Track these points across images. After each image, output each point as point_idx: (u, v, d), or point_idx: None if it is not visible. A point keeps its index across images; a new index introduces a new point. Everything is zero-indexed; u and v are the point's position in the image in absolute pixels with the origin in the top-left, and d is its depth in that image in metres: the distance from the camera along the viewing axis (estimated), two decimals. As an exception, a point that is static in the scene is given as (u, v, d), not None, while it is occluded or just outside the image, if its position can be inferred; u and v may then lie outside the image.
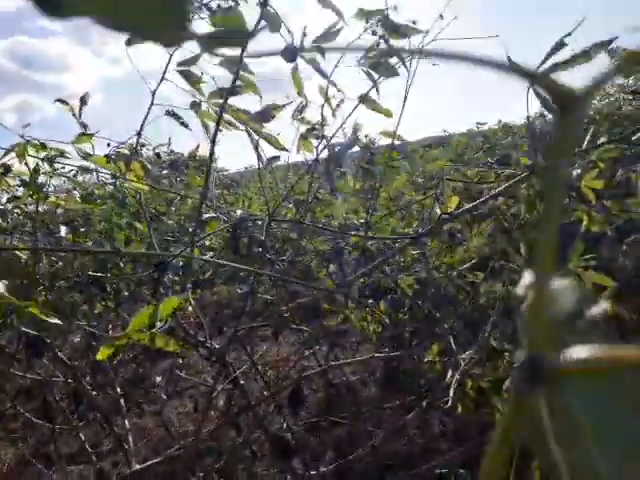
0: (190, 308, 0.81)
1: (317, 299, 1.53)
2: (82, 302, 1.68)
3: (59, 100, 1.08)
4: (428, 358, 1.27)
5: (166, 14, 0.14)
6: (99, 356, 0.66)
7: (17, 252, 1.44)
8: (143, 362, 1.99)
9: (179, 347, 0.70)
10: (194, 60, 1.11)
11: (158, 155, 1.28)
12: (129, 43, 1.06)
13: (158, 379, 2.35)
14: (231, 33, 0.15)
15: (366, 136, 1.61)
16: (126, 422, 1.10)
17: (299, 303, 1.51)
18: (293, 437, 1.36)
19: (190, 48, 1.15)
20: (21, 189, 1.54)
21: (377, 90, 1.19)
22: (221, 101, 1.10)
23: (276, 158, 1.59)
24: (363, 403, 1.90)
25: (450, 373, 1.31)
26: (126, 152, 1.00)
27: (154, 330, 0.66)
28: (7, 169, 1.25)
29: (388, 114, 1.24)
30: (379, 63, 1.02)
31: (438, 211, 1.05)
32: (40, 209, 1.51)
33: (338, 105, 1.17)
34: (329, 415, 1.95)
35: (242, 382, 0.94)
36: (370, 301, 1.80)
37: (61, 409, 1.85)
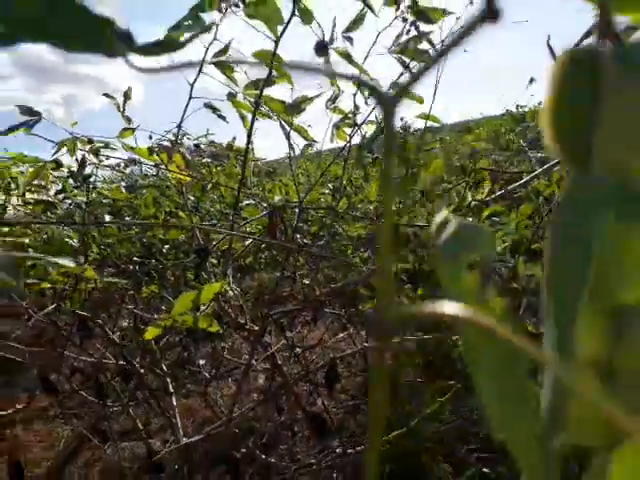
0: (231, 292, 0.85)
1: (354, 283, 1.56)
2: (129, 287, 1.77)
3: (105, 95, 1.14)
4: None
5: (85, 37, 0.15)
6: (147, 335, 0.71)
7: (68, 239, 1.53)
8: (188, 345, 2.08)
9: (221, 329, 0.74)
10: (224, 51, 1.14)
11: (197, 146, 1.33)
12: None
13: (202, 361, 2.44)
14: (165, 41, 0.16)
15: (401, 119, 1.61)
16: (174, 402, 1.17)
17: (335, 288, 1.54)
18: (332, 418, 1.40)
19: (224, 39, 1.18)
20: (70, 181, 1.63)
21: (411, 73, 1.19)
22: (256, 92, 1.13)
23: (310, 146, 1.62)
24: (401, 386, 1.93)
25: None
26: (167, 144, 1.05)
27: (198, 313, 0.70)
28: (59, 164, 1.33)
29: (420, 100, 1.24)
30: (409, 49, 1.03)
31: (470, 196, 1.05)
32: (87, 199, 1.60)
33: (370, 93, 1.19)
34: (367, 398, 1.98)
35: (280, 362, 0.99)
36: (408, 285, 1.82)
37: (113, 389, 1.96)
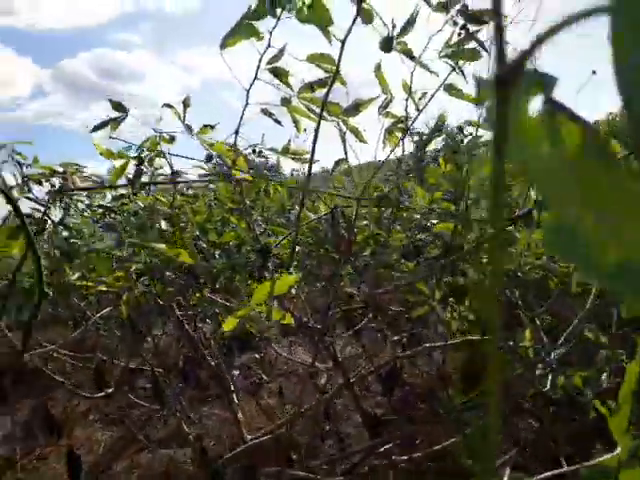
0: (293, 291, 0.87)
1: (400, 291, 1.56)
2: (177, 292, 1.81)
3: (166, 105, 1.18)
4: (521, 344, 1.26)
5: None
6: (225, 327, 0.73)
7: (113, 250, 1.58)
8: (231, 350, 2.11)
9: (291, 320, 0.76)
10: (279, 56, 1.17)
11: (254, 151, 1.36)
12: (222, 47, 1.14)
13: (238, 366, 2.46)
14: None
15: (460, 127, 1.61)
16: (235, 401, 1.18)
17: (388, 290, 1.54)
18: (387, 420, 1.39)
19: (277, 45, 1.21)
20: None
21: (464, 76, 1.21)
22: (312, 95, 1.15)
23: (342, 160, 1.62)
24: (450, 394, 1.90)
25: (541, 366, 1.29)
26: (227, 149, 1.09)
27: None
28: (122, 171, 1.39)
29: (471, 100, 1.25)
30: (460, 50, 1.04)
31: (533, 195, 1.05)
32: (142, 205, 1.66)
33: (421, 98, 1.20)
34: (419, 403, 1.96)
35: (340, 360, 1.00)
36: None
37: (162, 391, 2.00)
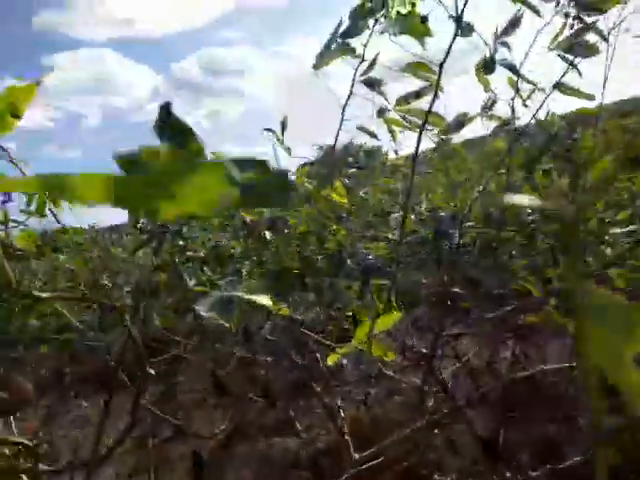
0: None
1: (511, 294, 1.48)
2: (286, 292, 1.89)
3: (267, 129, 1.21)
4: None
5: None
6: (328, 361, 0.75)
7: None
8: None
9: (394, 356, 0.76)
10: (372, 67, 1.15)
11: (350, 158, 1.37)
12: (316, 67, 1.14)
13: (344, 361, 2.51)
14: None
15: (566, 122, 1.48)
16: (341, 408, 1.21)
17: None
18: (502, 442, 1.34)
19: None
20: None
21: (579, 73, 1.10)
22: (408, 106, 1.12)
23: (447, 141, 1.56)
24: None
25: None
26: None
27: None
28: None
29: (589, 98, 1.14)
30: (575, 44, 0.95)
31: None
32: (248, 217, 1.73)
33: (529, 96, 1.12)
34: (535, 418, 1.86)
35: (449, 384, 0.98)
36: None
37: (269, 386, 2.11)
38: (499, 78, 1.25)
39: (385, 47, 1.06)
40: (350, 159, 1.85)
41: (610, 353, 0.17)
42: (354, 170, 1.90)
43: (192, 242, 2.01)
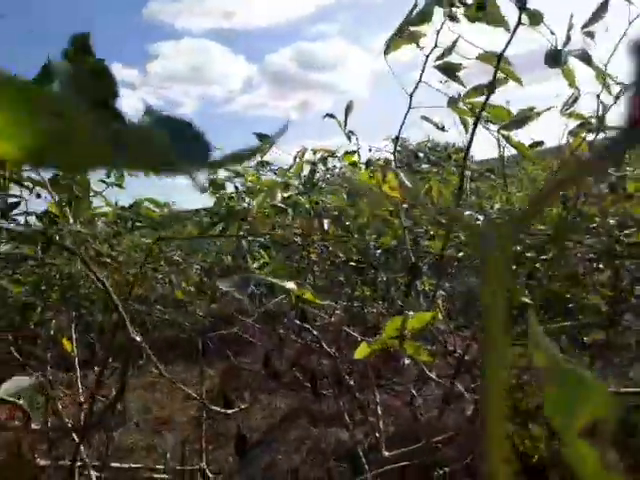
0: (440, 316, 0.83)
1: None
2: (344, 283, 1.88)
3: (328, 115, 1.21)
4: None
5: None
6: (357, 355, 0.74)
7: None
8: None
9: (431, 359, 0.72)
10: (448, 52, 1.10)
11: (416, 156, 1.33)
12: (386, 52, 1.11)
13: (407, 361, 2.46)
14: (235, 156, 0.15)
15: None
16: (376, 401, 1.19)
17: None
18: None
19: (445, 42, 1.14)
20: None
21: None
22: (478, 99, 1.07)
23: (540, 143, 1.48)
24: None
25: None
26: (382, 162, 1.08)
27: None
28: (288, 186, 1.48)
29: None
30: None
31: None
32: (311, 205, 1.74)
33: (618, 95, 1.02)
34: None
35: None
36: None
37: (324, 376, 2.12)
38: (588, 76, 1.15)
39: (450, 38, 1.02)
40: (421, 154, 1.80)
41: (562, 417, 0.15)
42: (425, 165, 1.85)
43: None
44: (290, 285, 0.56)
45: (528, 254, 1.82)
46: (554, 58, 0.69)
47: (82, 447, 1.49)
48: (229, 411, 1.33)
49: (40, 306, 1.71)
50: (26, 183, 1.48)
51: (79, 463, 1.47)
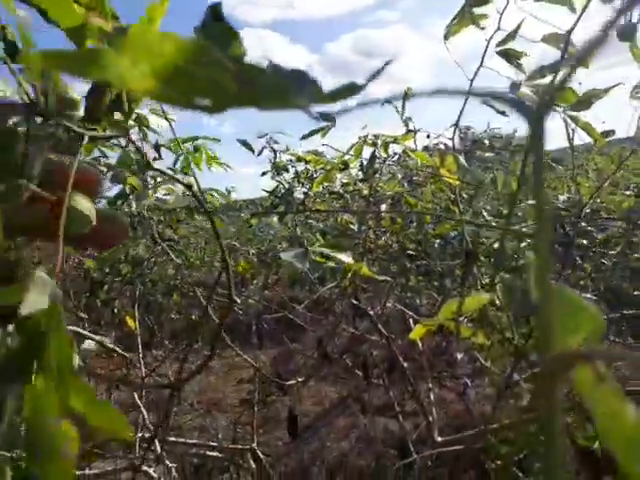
0: (498, 302, 0.81)
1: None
2: (398, 273, 1.87)
3: (386, 101, 1.20)
4: None
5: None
6: (412, 335, 0.74)
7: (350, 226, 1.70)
8: (448, 336, 2.09)
9: (487, 339, 0.71)
10: (512, 36, 1.06)
11: (475, 141, 1.30)
12: (446, 36, 1.09)
13: (460, 355, 2.43)
14: (346, 88, 0.16)
15: None
16: (430, 389, 1.19)
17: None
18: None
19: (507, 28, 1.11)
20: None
21: None
22: (541, 81, 1.03)
23: (611, 132, 1.41)
24: None
25: None
26: (443, 145, 1.06)
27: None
28: (346, 165, 1.49)
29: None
30: None
31: None
32: (370, 192, 1.74)
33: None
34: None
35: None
36: None
37: (375, 365, 2.12)
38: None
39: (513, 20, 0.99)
40: (487, 142, 1.76)
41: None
42: (490, 154, 1.80)
43: (312, 215, 2.08)
44: (345, 257, 0.57)
45: (594, 248, 1.75)
46: (627, 33, 0.65)
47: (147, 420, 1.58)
48: (284, 382, 1.36)
49: (107, 284, 1.80)
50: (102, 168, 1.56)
51: (140, 434, 1.55)
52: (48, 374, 0.24)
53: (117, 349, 1.02)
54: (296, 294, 3.48)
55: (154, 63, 0.16)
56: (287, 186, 2.11)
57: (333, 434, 2.43)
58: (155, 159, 1.71)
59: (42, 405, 0.23)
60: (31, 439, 0.23)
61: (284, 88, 0.17)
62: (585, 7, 0.69)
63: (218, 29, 0.22)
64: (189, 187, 0.54)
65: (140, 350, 1.74)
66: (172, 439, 1.72)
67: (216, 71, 0.16)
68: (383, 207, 1.63)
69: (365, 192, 1.91)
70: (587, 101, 0.86)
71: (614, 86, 0.88)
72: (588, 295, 1.70)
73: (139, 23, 0.39)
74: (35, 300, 0.23)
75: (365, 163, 1.75)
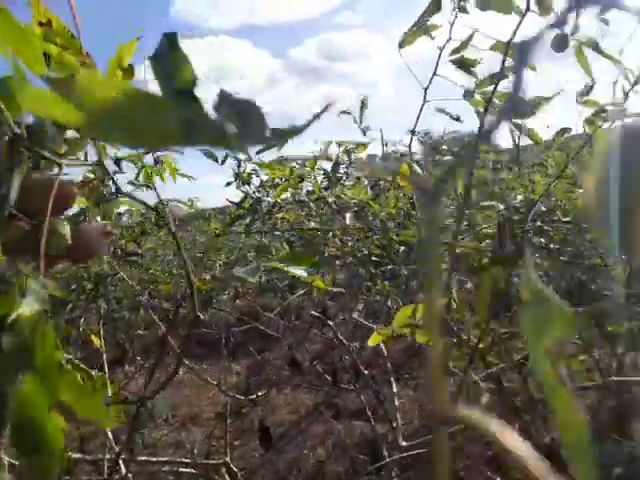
0: (454, 305, 0.83)
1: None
2: (367, 278, 1.89)
3: (343, 112, 1.22)
4: None
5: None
6: (370, 342, 0.75)
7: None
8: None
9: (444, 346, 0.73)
10: (464, 45, 1.09)
11: (437, 148, 1.32)
12: (401, 45, 1.11)
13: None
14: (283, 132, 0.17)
15: None
16: (394, 394, 1.20)
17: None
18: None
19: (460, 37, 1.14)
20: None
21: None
22: (491, 88, 1.06)
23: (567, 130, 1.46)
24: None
25: None
26: (398, 154, 1.08)
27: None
28: (302, 179, 1.49)
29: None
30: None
31: None
32: (335, 200, 1.76)
33: (637, 81, 1.00)
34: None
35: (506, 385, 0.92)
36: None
37: (346, 371, 2.13)
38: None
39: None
40: (445, 147, 1.79)
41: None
42: (447, 159, 1.84)
43: (281, 223, 2.08)
44: (299, 271, 0.58)
45: (552, 245, 1.80)
46: (559, 43, 0.68)
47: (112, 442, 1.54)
48: (252, 397, 1.35)
49: (72, 303, 1.77)
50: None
51: (108, 456, 1.52)
52: (37, 371, 0.26)
53: (82, 366, 1.00)
54: (269, 301, 3.47)
55: (91, 104, 0.17)
56: (255, 196, 2.11)
57: (309, 442, 2.42)
58: (115, 173, 1.68)
59: (31, 400, 0.26)
60: (20, 433, 0.25)
61: (220, 133, 0.18)
62: (522, 18, 0.72)
63: (171, 57, 0.23)
64: (144, 203, 0.54)
65: (106, 368, 1.71)
66: (142, 458, 1.69)
67: (155, 115, 0.17)
68: (348, 215, 1.65)
69: (330, 200, 1.92)
70: (533, 108, 0.89)
71: (557, 94, 0.91)
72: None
73: (109, 62, 0.43)
74: (28, 304, 0.27)
75: (329, 170, 1.77)
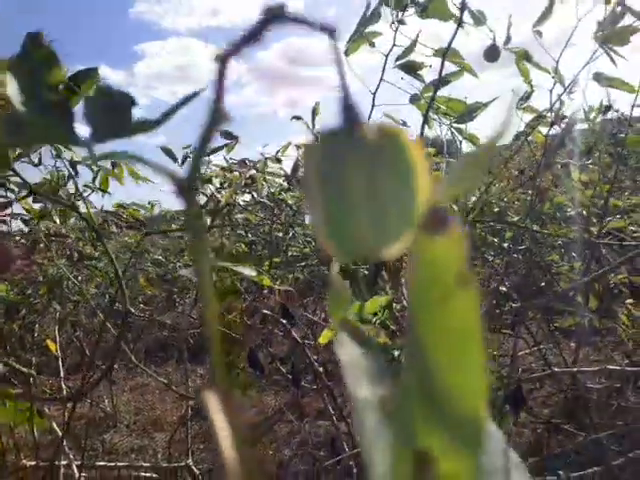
0: (405, 303, 0.86)
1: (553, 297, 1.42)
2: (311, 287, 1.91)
3: (295, 117, 1.24)
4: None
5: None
6: (321, 340, 0.78)
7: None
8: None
9: (389, 340, 0.76)
10: (409, 51, 1.13)
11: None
12: (346, 53, 1.14)
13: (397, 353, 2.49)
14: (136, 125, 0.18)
15: (616, 111, 1.38)
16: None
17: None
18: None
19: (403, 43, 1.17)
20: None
21: (614, 63, 1.04)
22: (431, 94, 1.10)
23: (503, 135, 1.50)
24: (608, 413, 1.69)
25: None
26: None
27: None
28: (253, 180, 1.51)
29: (631, 90, 1.06)
30: (613, 34, 0.89)
31: None
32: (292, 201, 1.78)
33: (569, 87, 1.06)
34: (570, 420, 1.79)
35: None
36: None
37: (311, 372, 2.15)
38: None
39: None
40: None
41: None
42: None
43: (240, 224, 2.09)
44: (247, 271, 0.59)
45: (504, 244, 1.87)
46: (491, 54, 0.73)
47: (67, 447, 1.52)
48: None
49: (25, 307, 1.73)
50: (11, 186, 1.50)
51: (64, 462, 1.49)
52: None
53: (29, 372, 0.99)
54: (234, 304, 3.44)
55: None
56: (215, 197, 2.10)
57: (274, 443, 2.43)
58: (71, 176, 1.66)
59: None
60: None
61: (53, 129, 0.19)
62: (458, 27, 0.75)
63: (40, 56, 0.23)
64: (76, 210, 0.54)
65: (62, 373, 1.68)
66: (101, 463, 1.67)
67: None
68: (308, 216, 1.67)
69: (290, 201, 1.94)
70: (470, 114, 0.93)
71: (494, 100, 0.96)
72: (503, 288, 1.82)
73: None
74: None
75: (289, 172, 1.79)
